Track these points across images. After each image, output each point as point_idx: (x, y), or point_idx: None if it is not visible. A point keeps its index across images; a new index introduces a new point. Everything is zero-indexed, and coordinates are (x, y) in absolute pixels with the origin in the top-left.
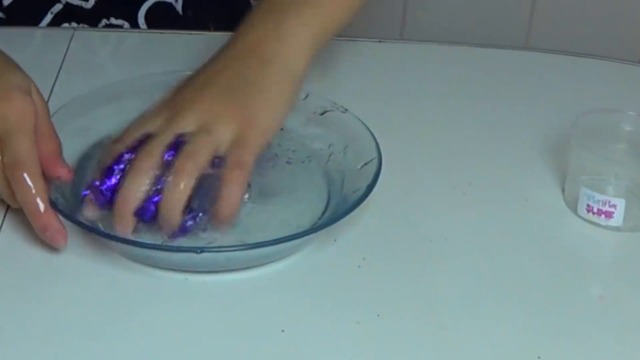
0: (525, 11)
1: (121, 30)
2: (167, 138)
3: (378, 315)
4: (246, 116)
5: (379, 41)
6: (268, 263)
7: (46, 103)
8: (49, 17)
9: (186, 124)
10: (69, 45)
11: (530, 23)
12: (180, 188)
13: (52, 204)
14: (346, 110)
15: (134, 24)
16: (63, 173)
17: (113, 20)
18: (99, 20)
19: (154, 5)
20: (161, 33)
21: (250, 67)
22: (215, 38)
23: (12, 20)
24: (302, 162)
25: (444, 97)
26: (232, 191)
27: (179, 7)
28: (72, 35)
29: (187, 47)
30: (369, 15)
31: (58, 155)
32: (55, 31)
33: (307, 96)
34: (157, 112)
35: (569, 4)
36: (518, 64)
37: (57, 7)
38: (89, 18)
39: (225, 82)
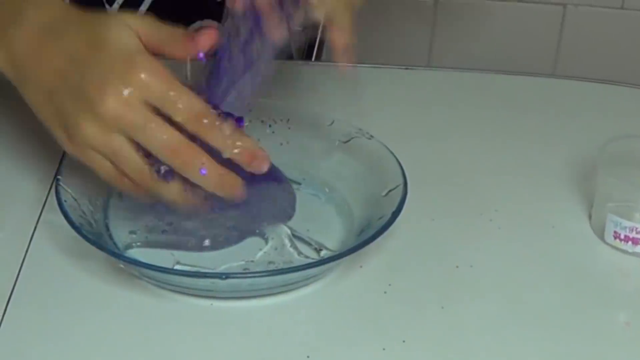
0: (553, 39)
1: None
2: None
3: (404, 341)
4: None
5: (406, 68)
6: (294, 289)
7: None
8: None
9: None
10: None
11: (558, 51)
12: None
13: (77, 230)
14: (372, 136)
15: None
16: (202, 42)
17: None
18: None
19: (201, 29)
20: None
21: None
22: None
23: None
24: (328, 188)
25: (470, 125)
26: (345, 20)
27: None
28: None
29: None
30: (396, 43)
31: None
32: None
33: (332, 122)
34: None
35: (596, 32)
36: (545, 91)
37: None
38: None
39: None
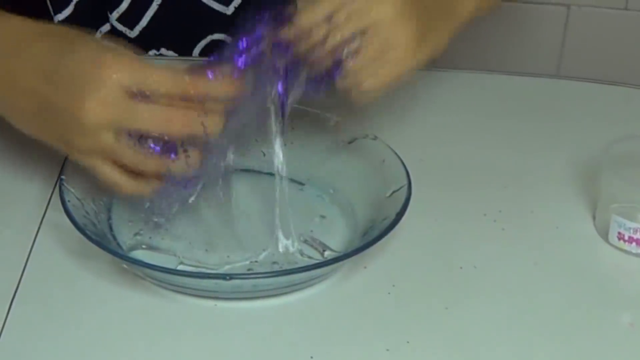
0: (557, 40)
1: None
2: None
3: (407, 342)
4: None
5: None
6: (297, 290)
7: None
8: (97, 37)
9: None
10: None
11: (561, 52)
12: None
13: (81, 230)
14: (376, 137)
15: None
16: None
17: (163, 51)
18: (147, 50)
19: (211, 42)
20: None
21: None
22: None
23: None
24: (332, 189)
25: (475, 125)
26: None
27: None
28: None
29: None
30: None
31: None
32: None
33: (336, 123)
34: None
35: (599, 33)
36: (549, 92)
37: (106, 27)
38: (135, 46)
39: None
